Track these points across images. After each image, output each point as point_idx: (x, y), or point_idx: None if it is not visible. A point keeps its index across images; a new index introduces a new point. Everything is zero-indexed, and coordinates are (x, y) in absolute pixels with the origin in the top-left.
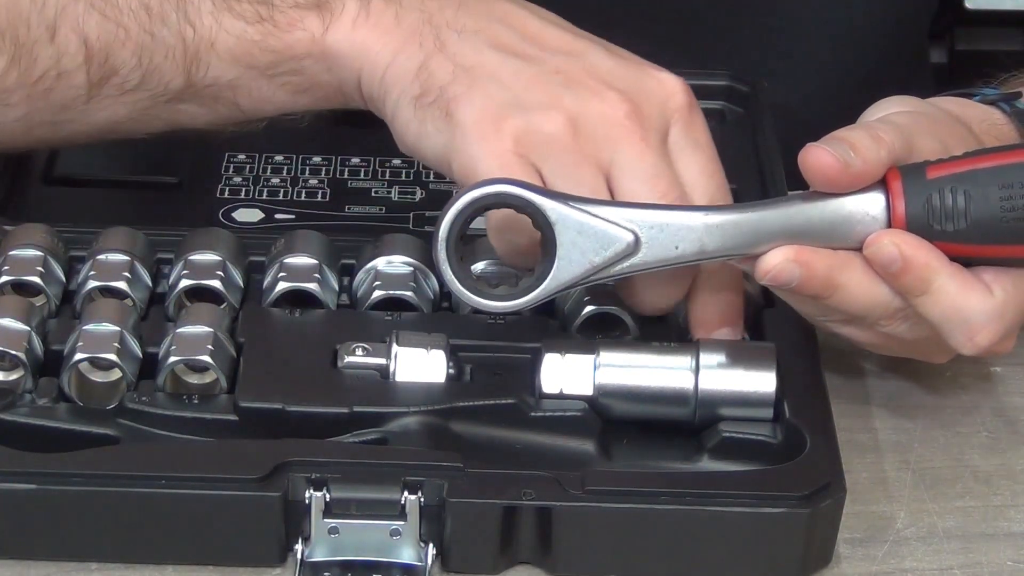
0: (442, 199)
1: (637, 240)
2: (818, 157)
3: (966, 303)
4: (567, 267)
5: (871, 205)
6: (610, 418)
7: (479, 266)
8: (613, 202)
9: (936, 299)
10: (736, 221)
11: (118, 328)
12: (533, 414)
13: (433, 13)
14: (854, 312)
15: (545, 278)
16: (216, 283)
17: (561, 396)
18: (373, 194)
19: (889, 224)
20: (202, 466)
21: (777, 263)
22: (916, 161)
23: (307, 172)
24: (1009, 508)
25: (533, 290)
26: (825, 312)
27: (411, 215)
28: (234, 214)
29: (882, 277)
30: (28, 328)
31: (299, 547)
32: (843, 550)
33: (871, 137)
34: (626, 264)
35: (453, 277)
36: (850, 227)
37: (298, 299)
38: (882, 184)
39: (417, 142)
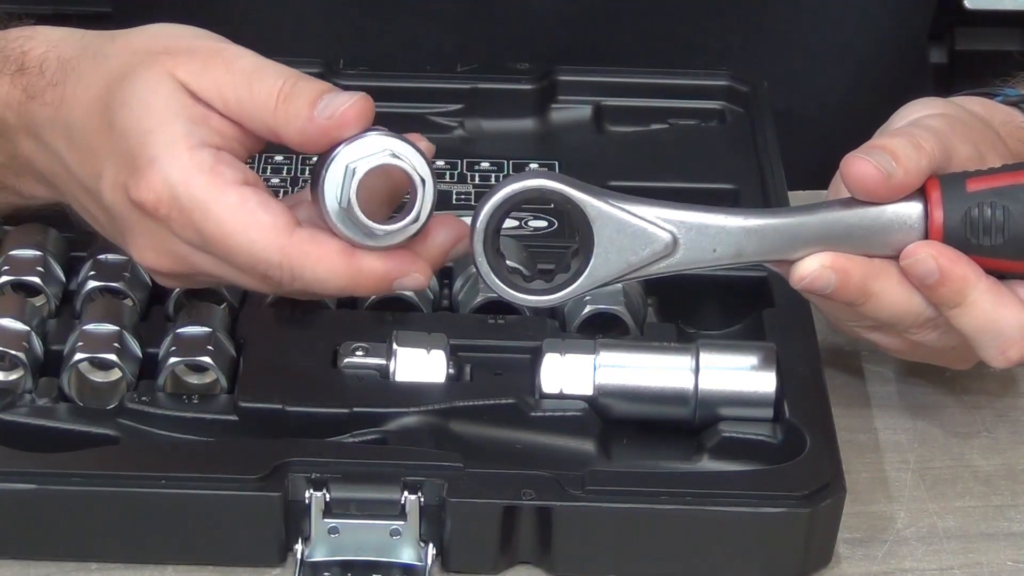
0: (441, 199)
1: (675, 241)
2: (859, 168)
3: (1000, 317)
4: (603, 265)
5: (909, 214)
6: (610, 418)
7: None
8: (652, 201)
9: (970, 312)
10: (774, 226)
11: (118, 328)
12: (533, 414)
13: None
14: (886, 320)
15: (581, 275)
16: None
17: (561, 396)
18: None
19: (926, 233)
20: (202, 466)
21: (813, 269)
22: (953, 168)
23: (307, 172)
24: (1009, 508)
25: (569, 286)
26: (855, 318)
27: None
28: None
29: (917, 288)
30: (28, 328)
31: (299, 547)
32: (843, 550)
33: (912, 145)
34: (663, 264)
35: (489, 269)
36: (887, 235)
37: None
38: (920, 193)
39: None
